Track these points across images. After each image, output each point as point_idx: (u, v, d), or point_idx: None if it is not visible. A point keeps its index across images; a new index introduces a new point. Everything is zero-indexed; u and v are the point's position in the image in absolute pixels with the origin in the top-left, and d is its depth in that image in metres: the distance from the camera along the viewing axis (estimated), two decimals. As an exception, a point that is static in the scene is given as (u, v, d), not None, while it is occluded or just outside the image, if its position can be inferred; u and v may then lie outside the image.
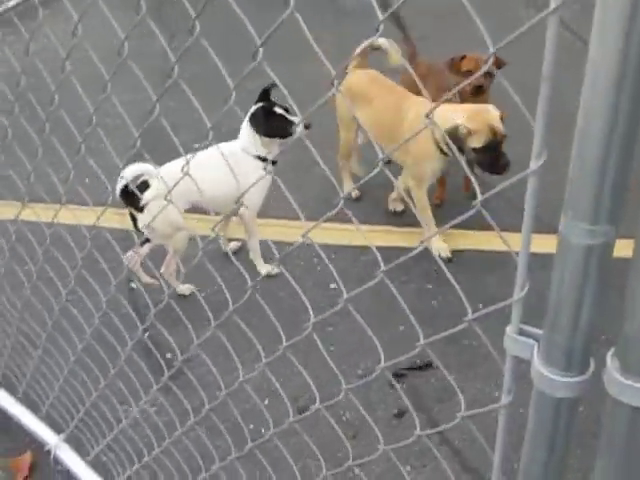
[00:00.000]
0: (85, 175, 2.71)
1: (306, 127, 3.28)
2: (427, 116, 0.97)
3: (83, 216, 2.18)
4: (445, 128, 3.34)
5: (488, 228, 3.86)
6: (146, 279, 3.52)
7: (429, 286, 3.68)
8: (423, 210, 3.84)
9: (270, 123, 3.35)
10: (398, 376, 3.14)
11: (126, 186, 3.10)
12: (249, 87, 3.90)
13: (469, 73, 3.72)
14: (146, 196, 3.10)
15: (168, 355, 3.19)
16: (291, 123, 3.35)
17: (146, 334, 3.31)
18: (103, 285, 2.30)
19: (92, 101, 1.80)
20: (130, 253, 3.44)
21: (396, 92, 3.86)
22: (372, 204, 4.29)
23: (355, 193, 4.33)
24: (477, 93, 3.77)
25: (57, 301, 2.35)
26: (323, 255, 1.46)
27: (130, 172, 3.15)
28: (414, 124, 3.55)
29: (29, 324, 2.77)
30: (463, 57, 3.81)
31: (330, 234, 3.87)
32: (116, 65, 1.52)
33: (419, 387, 3.13)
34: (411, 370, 3.16)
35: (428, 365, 3.21)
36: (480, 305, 3.54)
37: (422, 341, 1.26)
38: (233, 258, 1.77)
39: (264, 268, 3.68)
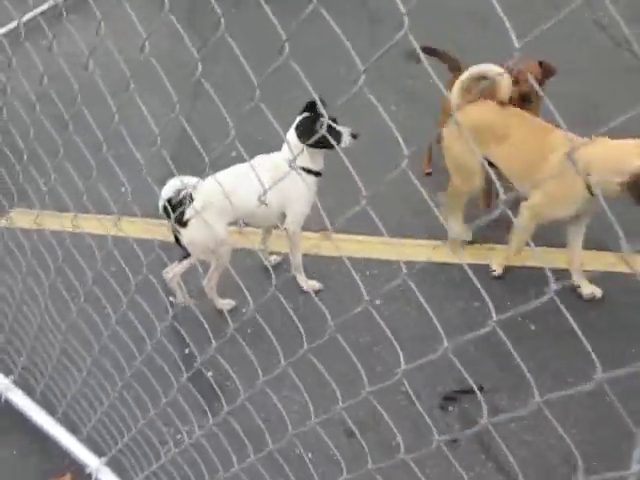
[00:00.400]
0: (122, 184, 2.63)
1: (354, 137, 3.16)
2: (569, 156, 0.85)
3: (130, 229, 2.10)
4: (632, 171, 2.93)
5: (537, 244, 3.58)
6: (182, 299, 3.42)
7: (476, 304, 3.55)
8: (519, 236, 3.60)
9: (317, 133, 3.21)
10: (448, 399, 3.02)
11: (169, 200, 3.01)
12: (285, 98, 3.80)
13: (515, 81, 3.51)
14: (190, 211, 3.01)
15: (210, 373, 3.10)
16: (338, 133, 3.20)
17: (187, 350, 3.26)
18: (150, 302, 2.21)
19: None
20: (171, 268, 3.35)
21: (536, 125, 3.42)
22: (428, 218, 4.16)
23: None
24: (524, 102, 3.53)
25: (105, 323, 2.26)
26: (405, 277, 1.34)
27: (172, 185, 3.06)
28: (561, 164, 3.12)
29: (71, 343, 2.68)
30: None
31: (368, 248, 3.78)
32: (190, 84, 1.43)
33: (470, 412, 3.01)
34: (461, 393, 3.04)
35: (479, 388, 3.08)
36: (532, 326, 3.43)
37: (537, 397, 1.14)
38: (307, 286, 1.67)
39: (307, 283, 3.58)
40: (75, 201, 2.23)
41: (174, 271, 3.36)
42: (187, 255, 3.32)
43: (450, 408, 3.01)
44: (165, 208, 3.03)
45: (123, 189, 1.93)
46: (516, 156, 3.39)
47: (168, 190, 3.07)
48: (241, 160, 3.79)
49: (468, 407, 3.01)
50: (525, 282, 3.59)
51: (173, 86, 1.59)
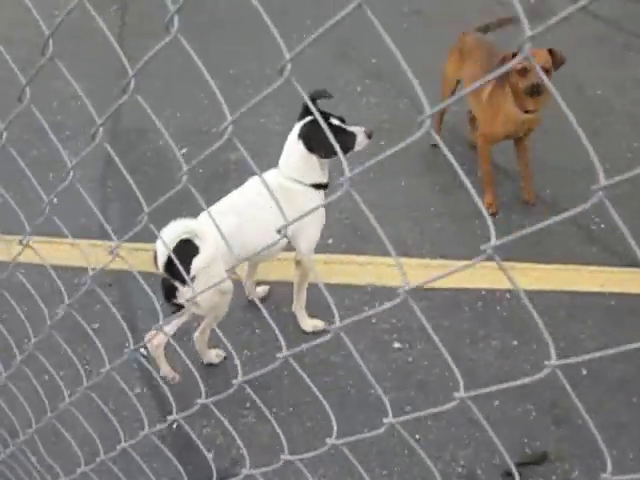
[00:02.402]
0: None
1: (369, 137, 2.64)
2: None
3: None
4: None
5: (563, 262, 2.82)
6: (168, 372, 2.79)
7: (514, 342, 2.91)
8: None
9: (328, 139, 2.55)
10: (510, 475, 2.39)
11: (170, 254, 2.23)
12: (231, 72, 3.05)
13: (524, 71, 3.13)
14: (196, 265, 2.37)
15: (211, 453, 2.51)
16: (352, 135, 2.64)
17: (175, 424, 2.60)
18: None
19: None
20: (157, 329, 2.68)
21: None
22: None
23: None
24: (534, 93, 3.15)
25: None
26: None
27: (172, 235, 2.38)
28: None
29: None
30: (515, 53, 3.09)
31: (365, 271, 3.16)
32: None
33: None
34: (524, 465, 2.41)
35: (544, 457, 2.46)
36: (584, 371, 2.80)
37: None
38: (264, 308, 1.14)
39: (309, 324, 2.99)
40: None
41: (161, 335, 2.62)
42: (175, 311, 2.56)
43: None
44: (167, 264, 2.38)
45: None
46: None
47: (171, 238, 2.36)
48: (192, 156, 3.28)
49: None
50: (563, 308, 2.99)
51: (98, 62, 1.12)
